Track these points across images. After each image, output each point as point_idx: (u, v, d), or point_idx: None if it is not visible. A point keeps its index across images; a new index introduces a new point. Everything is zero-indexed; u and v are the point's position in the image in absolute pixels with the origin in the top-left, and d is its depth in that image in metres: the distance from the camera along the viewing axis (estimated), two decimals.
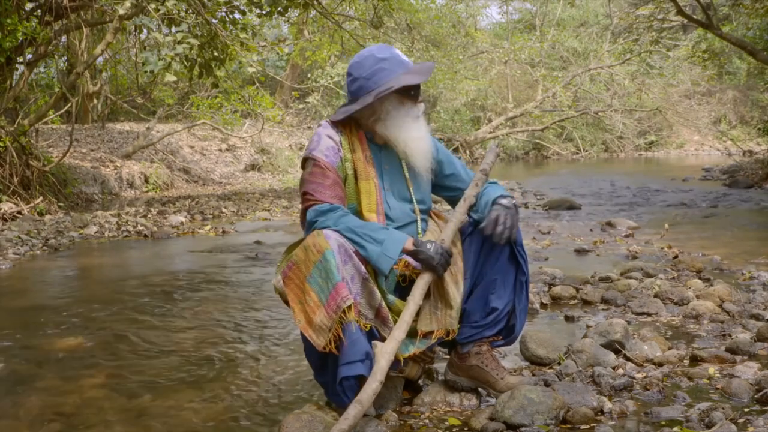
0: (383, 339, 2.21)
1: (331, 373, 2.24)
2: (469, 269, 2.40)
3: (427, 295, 2.35)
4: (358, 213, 2.36)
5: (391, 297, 2.31)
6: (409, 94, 2.39)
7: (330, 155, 2.35)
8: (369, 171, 2.38)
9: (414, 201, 2.46)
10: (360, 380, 2.16)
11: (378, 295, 2.25)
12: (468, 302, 2.40)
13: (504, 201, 2.35)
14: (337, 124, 2.42)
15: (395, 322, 2.25)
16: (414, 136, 2.39)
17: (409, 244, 2.25)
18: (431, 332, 2.34)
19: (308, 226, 2.30)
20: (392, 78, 2.34)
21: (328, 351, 2.14)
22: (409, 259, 2.35)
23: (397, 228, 2.40)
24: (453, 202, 2.54)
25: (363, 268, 2.22)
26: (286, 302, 2.29)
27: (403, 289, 2.36)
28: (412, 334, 2.36)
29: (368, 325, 2.22)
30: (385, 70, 2.35)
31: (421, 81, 2.37)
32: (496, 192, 2.41)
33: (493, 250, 2.38)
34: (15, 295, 4.46)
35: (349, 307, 2.12)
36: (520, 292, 2.43)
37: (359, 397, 2.01)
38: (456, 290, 2.35)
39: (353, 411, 1.97)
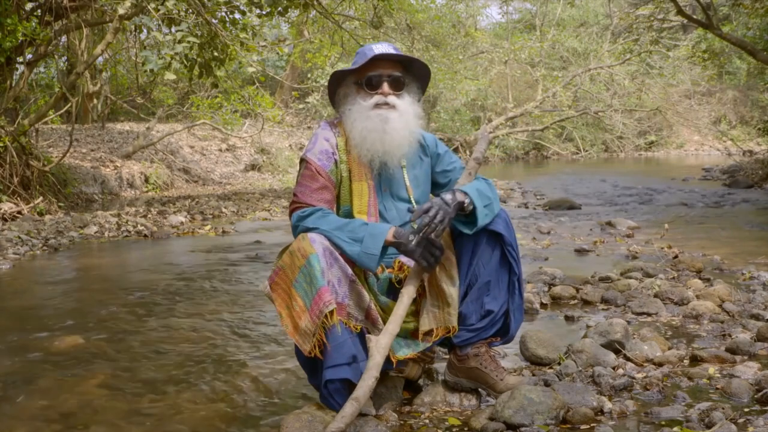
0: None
1: (320, 377, 2.24)
2: (462, 271, 2.39)
3: (424, 295, 2.34)
4: (351, 215, 2.37)
5: (383, 298, 2.31)
6: (361, 84, 2.39)
7: (323, 159, 2.36)
8: (363, 172, 2.39)
9: (412, 201, 2.45)
10: (346, 384, 2.17)
11: (366, 296, 2.25)
12: (463, 305, 2.39)
13: (447, 196, 2.22)
14: (336, 124, 2.43)
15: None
16: (359, 125, 2.37)
17: (390, 236, 2.22)
18: (431, 332, 2.34)
19: (293, 229, 2.33)
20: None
21: (313, 356, 2.14)
22: (403, 259, 2.35)
23: None
24: None
25: (350, 270, 2.22)
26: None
27: (398, 290, 2.35)
28: (412, 336, 2.36)
29: (358, 327, 2.23)
30: (354, 63, 2.42)
31: (352, 68, 2.39)
32: (466, 184, 2.34)
33: (485, 252, 2.37)
34: (15, 295, 4.46)
35: (332, 312, 2.11)
36: (514, 291, 2.42)
37: (355, 394, 2.00)
38: (451, 285, 2.34)
39: (350, 409, 1.96)
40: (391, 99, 2.38)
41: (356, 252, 2.19)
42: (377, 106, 2.36)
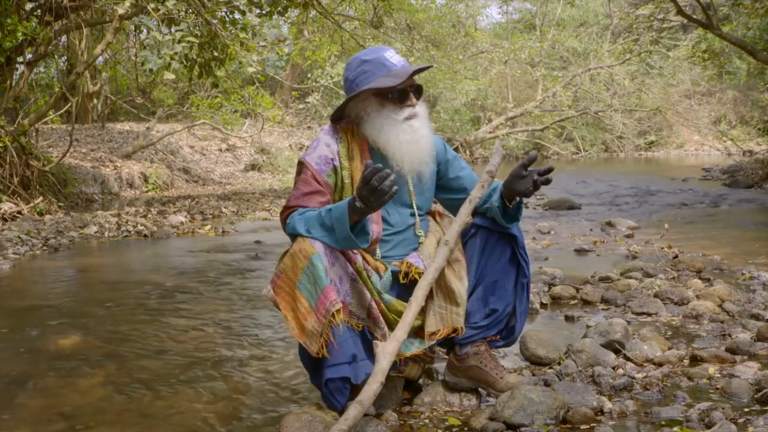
0: (376, 339, 2.21)
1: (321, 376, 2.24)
2: (471, 271, 2.40)
3: (431, 295, 2.34)
4: None
5: (387, 296, 2.30)
6: (387, 96, 2.33)
7: (321, 164, 2.34)
8: None
9: (414, 206, 2.45)
10: (346, 382, 2.17)
11: (368, 294, 2.25)
12: (468, 303, 2.39)
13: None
14: (338, 130, 2.41)
15: (392, 322, 2.25)
16: (394, 138, 2.33)
17: (351, 212, 2.13)
18: (437, 331, 2.34)
19: (285, 229, 2.33)
20: (371, 81, 2.31)
21: (321, 356, 2.14)
22: (411, 259, 2.34)
23: (396, 232, 2.40)
24: (453, 207, 2.50)
25: (350, 268, 2.23)
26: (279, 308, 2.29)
27: (401, 287, 2.35)
28: (417, 334, 2.36)
29: (360, 325, 2.23)
30: (366, 73, 2.33)
31: (391, 84, 2.29)
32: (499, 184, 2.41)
33: (494, 252, 2.38)
34: (15, 295, 4.46)
35: (338, 311, 2.10)
36: (521, 293, 2.43)
37: (360, 397, 2.00)
38: (461, 286, 2.35)
39: (353, 411, 1.96)
40: (417, 109, 2.38)
41: (335, 242, 2.17)
42: (408, 118, 2.35)
